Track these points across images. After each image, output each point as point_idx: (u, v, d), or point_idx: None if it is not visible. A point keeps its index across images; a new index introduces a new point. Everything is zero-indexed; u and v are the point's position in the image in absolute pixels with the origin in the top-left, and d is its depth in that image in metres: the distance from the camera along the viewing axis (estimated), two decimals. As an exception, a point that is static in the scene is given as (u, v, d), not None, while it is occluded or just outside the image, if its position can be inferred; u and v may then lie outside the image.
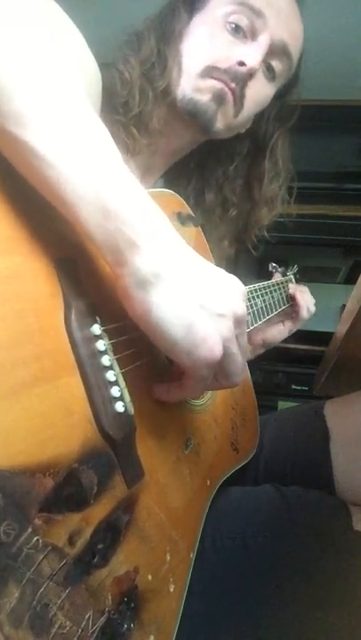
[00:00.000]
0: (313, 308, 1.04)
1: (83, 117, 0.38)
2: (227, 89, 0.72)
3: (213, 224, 0.92)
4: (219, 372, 0.45)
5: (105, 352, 0.40)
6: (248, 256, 1.00)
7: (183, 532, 0.47)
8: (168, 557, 0.44)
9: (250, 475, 0.76)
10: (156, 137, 0.75)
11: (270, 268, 1.14)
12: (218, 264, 0.78)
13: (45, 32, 0.39)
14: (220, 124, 0.76)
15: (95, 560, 0.35)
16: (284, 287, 1.05)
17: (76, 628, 0.32)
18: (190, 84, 0.73)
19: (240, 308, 0.43)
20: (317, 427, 0.77)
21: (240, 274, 0.93)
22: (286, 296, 1.04)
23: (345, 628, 0.51)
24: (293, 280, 1.15)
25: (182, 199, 0.71)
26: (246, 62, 0.71)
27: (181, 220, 0.69)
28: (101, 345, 0.40)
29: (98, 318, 0.41)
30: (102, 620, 0.34)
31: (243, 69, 0.71)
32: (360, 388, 0.78)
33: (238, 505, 0.63)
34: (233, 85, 0.72)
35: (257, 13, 0.72)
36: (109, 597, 0.35)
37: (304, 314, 1.01)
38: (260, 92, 0.78)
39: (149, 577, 0.40)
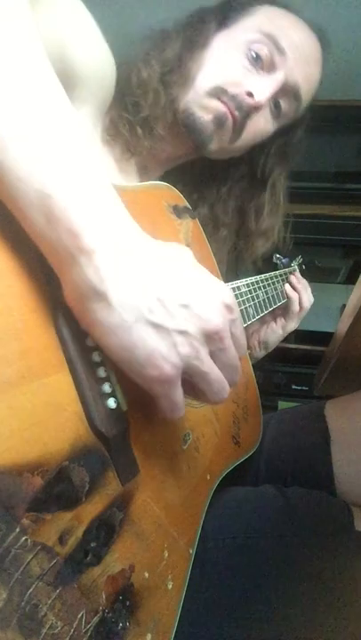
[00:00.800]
0: (307, 304, 1.03)
1: (48, 107, 0.35)
2: (229, 115, 0.72)
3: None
4: (195, 388, 0.42)
5: (95, 348, 0.40)
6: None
7: (182, 528, 0.47)
8: (166, 554, 0.43)
9: (250, 475, 0.76)
10: (158, 142, 0.75)
11: (274, 259, 1.13)
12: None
13: (26, 20, 0.37)
14: (214, 146, 0.76)
15: (88, 559, 0.34)
16: (284, 280, 1.03)
17: (68, 628, 0.31)
18: (197, 99, 0.73)
19: (211, 322, 0.39)
20: (318, 427, 0.76)
21: (240, 274, 0.93)
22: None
23: (346, 628, 0.50)
24: (298, 271, 1.14)
25: (179, 192, 0.70)
26: (255, 95, 0.71)
27: (178, 212, 0.68)
28: (91, 341, 0.39)
29: (88, 314, 0.40)
30: (96, 619, 0.34)
31: (249, 101, 0.72)
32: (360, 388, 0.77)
33: (240, 505, 0.63)
34: (236, 114, 0.72)
35: (280, 50, 0.72)
36: (103, 596, 0.35)
37: (294, 308, 1.00)
38: (260, 126, 0.78)
39: (146, 574, 0.40)
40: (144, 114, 0.72)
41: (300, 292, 1.02)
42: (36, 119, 0.35)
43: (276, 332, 1.00)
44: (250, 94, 0.71)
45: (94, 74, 0.63)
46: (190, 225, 0.71)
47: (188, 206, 0.72)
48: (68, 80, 0.56)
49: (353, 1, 1.29)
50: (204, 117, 0.73)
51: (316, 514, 0.61)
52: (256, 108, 0.73)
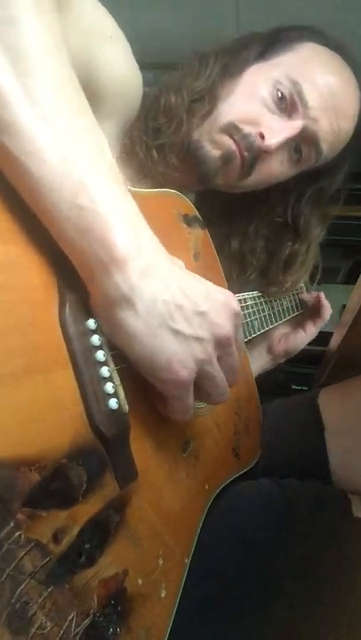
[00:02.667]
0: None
1: (77, 126, 0.37)
2: (238, 154, 0.70)
3: (231, 278, 0.88)
4: (200, 390, 0.44)
5: (100, 347, 0.39)
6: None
7: (178, 536, 0.46)
8: (160, 562, 0.42)
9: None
10: (171, 169, 0.74)
11: None
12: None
13: (53, 39, 0.38)
14: (220, 181, 0.75)
15: (81, 560, 0.34)
16: (293, 295, 1.03)
17: (58, 628, 0.31)
18: (210, 132, 0.71)
19: (223, 328, 0.42)
20: (311, 417, 0.76)
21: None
22: (297, 303, 1.03)
23: (346, 616, 0.50)
24: (304, 289, 1.14)
25: (189, 201, 0.71)
26: (266, 139, 0.69)
27: (188, 221, 0.68)
28: (96, 340, 0.39)
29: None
30: (86, 622, 0.33)
31: (260, 143, 0.69)
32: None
33: (236, 500, 0.62)
34: (245, 154, 0.70)
35: (303, 101, 0.70)
36: (95, 599, 0.34)
37: (327, 315, 0.99)
38: (274, 168, 0.75)
39: (139, 581, 0.39)
40: (162, 140, 0.71)
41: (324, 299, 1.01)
42: (70, 133, 0.36)
43: (304, 340, 0.98)
44: (262, 136, 0.69)
45: (121, 91, 0.63)
46: (200, 235, 0.71)
47: (199, 216, 0.72)
48: (94, 95, 0.56)
49: (353, 2, 1.30)
50: (213, 152, 0.71)
51: (314, 503, 0.61)
52: (266, 152, 0.70)
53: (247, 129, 0.69)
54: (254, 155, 0.70)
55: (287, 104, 0.70)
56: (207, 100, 0.71)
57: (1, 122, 0.34)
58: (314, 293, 1.04)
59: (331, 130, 0.73)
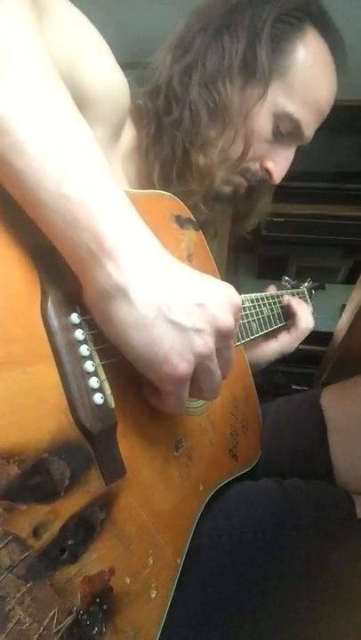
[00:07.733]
0: (311, 323, 0.95)
1: (62, 119, 0.37)
2: (246, 184, 0.78)
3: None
4: (194, 384, 0.43)
5: (84, 342, 0.39)
6: (248, 256, 0.98)
7: (170, 536, 0.45)
8: (150, 561, 0.41)
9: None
10: (187, 191, 0.76)
11: (283, 282, 1.12)
12: (219, 261, 0.78)
13: (35, 37, 0.38)
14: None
15: (64, 556, 0.33)
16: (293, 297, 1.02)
17: (37, 625, 0.30)
18: (225, 175, 0.75)
19: (225, 321, 0.41)
20: (314, 418, 0.75)
21: (240, 274, 0.92)
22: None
23: (349, 618, 0.48)
24: (307, 294, 1.13)
25: (182, 203, 0.71)
26: (273, 176, 0.76)
27: (180, 223, 0.68)
28: (80, 334, 0.39)
29: (77, 308, 0.40)
30: (69, 619, 0.32)
31: (266, 176, 0.76)
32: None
33: (236, 501, 0.61)
34: (252, 183, 0.78)
35: (300, 133, 0.73)
36: (78, 597, 0.33)
37: (302, 323, 0.90)
38: None
39: (127, 580, 0.38)
40: (188, 187, 0.73)
41: (303, 311, 0.97)
42: (49, 125, 0.35)
43: (275, 350, 0.89)
44: (268, 172, 0.75)
45: (106, 95, 0.63)
46: (193, 236, 0.70)
47: (192, 218, 0.72)
48: (80, 101, 0.55)
49: (353, 1, 1.30)
50: (226, 189, 0.78)
51: (317, 504, 0.60)
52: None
53: (255, 166, 0.76)
54: (259, 181, 0.78)
55: (286, 137, 0.75)
56: (223, 148, 0.73)
57: None
58: (296, 299, 0.99)
59: (315, 126, 0.77)
